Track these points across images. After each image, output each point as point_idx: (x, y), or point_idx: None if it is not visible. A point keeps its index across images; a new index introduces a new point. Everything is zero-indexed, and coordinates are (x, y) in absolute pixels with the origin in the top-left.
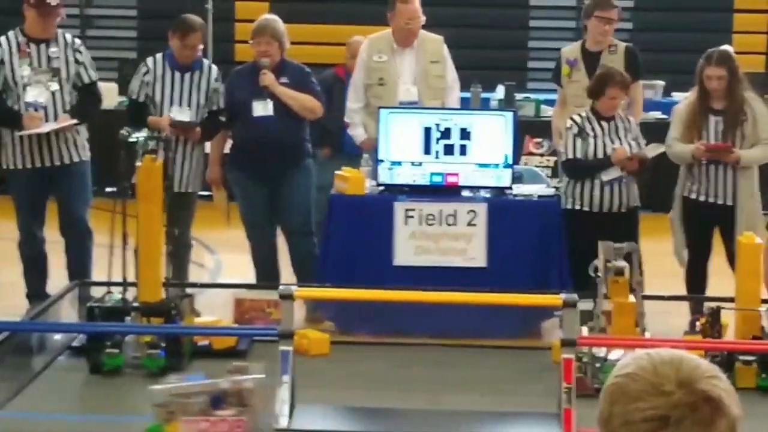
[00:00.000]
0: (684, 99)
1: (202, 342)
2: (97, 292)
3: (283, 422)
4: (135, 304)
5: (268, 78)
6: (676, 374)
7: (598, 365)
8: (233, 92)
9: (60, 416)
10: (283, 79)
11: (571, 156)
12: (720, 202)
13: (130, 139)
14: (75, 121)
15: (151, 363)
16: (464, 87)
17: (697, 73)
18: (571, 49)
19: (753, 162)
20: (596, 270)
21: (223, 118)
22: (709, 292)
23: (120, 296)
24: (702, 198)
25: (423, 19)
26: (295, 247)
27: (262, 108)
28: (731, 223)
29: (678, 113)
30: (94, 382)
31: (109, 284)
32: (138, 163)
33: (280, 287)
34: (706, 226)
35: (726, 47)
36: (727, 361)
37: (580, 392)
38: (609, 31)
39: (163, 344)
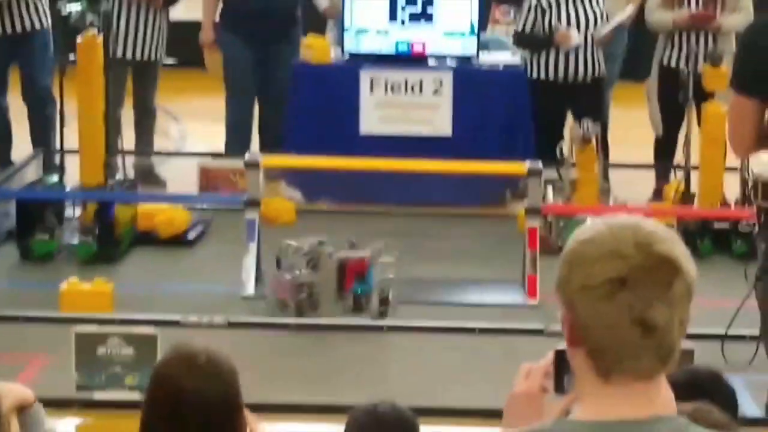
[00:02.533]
0: None
1: (147, 229)
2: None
3: (250, 289)
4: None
5: None
6: (634, 238)
7: (561, 224)
8: None
9: None
10: None
11: (520, 29)
12: (700, 68)
13: (63, 13)
14: None
15: (83, 250)
16: None
17: None
18: None
19: (732, 29)
20: (562, 150)
21: None
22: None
23: (57, 177)
24: (681, 65)
25: None
26: (268, 114)
27: None
28: None
29: None
30: (24, 267)
31: (62, 152)
32: (78, 39)
33: (246, 155)
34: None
35: None
36: (701, 227)
37: (544, 250)
38: None
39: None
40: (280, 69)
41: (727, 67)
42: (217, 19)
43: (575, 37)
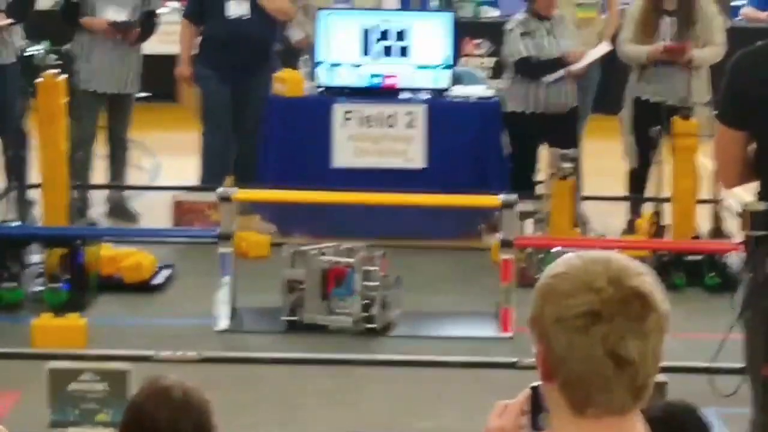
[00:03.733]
0: (636, 0)
1: (112, 274)
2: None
3: (224, 324)
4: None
5: None
6: (607, 272)
7: (540, 256)
8: None
9: None
10: None
11: (524, 54)
12: (671, 102)
13: (27, 53)
14: (10, 20)
15: (53, 297)
16: None
17: None
18: None
19: (705, 62)
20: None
21: (158, 20)
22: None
23: (20, 223)
24: (654, 99)
25: None
26: (244, 147)
27: (238, 7)
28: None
29: (630, 14)
30: None
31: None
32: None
33: (219, 189)
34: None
35: None
36: (674, 259)
37: (522, 283)
38: None
39: (67, 277)
40: (256, 103)
41: (697, 119)
42: (195, 52)
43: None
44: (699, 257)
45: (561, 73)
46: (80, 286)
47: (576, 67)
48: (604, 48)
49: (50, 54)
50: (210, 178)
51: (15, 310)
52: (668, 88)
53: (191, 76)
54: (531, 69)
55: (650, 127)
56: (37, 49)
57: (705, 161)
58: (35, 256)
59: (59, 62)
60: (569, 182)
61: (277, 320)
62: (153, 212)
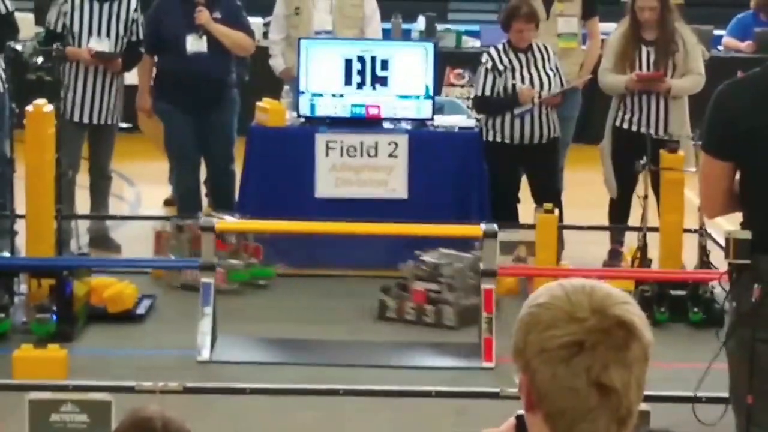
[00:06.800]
0: (615, 30)
1: (97, 304)
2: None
3: (205, 354)
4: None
5: (204, 16)
6: (589, 301)
7: None
8: (162, 23)
9: None
10: (216, 14)
11: (480, 93)
12: (651, 131)
13: (16, 47)
14: None
15: (40, 328)
16: (385, 18)
17: (629, 3)
18: None
19: (684, 92)
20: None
21: (142, 49)
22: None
23: (8, 254)
24: (634, 128)
25: None
26: (216, 177)
27: (196, 44)
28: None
29: (610, 44)
30: None
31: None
32: (30, 76)
33: (201, 219)
34: (635, 157)
35: None
36: (658, 294)
37: None
38: None
39: (54, 308)
40: (220, 134)
41: (683, 151)
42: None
43: (535, 93)
44: (683, 292)
45: (528, 106)
46: (68, 317)
47: (548, 93)
48: (581, 79)
49: (38, 54)
50: (186, 210)
51: (2, 341)
52: (646, 117)
53: (151, 107)
54: (486, 107)
55: (629, 156)
56: (24, 42)
57: (689, 194)
58: (25, 287)
59: (49, 65)
60: (554, 216)
61: (259, 351)
62: (134, 242)
